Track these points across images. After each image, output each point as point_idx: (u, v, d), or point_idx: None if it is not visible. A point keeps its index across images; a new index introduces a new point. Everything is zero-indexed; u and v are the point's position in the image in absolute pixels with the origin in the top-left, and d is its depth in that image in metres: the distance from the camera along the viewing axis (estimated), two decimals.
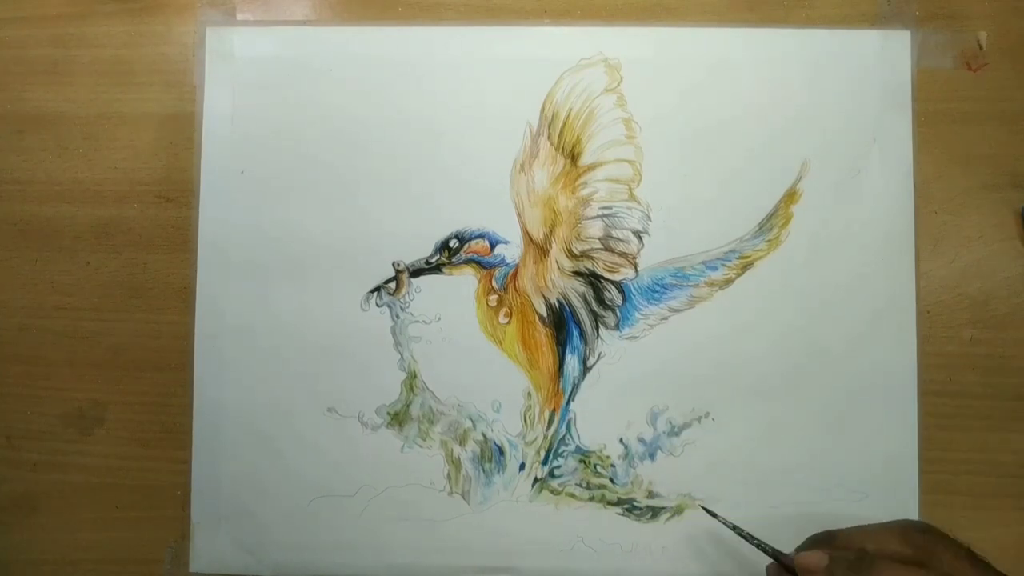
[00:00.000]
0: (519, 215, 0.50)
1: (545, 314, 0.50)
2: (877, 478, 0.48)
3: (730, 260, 0.49)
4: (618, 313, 0.49)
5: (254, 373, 0.50)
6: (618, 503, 0.49)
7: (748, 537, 0.44)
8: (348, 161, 0.50)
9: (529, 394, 0.49)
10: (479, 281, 0.50)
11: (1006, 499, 0.49)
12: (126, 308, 0.51)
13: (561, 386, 0.49)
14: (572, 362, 0.49)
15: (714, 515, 0.45)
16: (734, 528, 0.44)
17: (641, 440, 0.49)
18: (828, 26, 0.50)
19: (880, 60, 0.50)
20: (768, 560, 0.43)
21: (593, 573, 0.49)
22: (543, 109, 0.50)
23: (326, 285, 0.50)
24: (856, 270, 0.49)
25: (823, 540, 0.42)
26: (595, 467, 0.49)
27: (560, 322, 0.49)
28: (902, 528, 0.41)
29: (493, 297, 0.50)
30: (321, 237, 0.50)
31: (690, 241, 0.49)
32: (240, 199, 0.50)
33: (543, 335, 0.49)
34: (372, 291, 0.50)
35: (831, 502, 0.48)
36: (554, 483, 0.49)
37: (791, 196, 0.49)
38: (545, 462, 0.49)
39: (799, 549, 0.42)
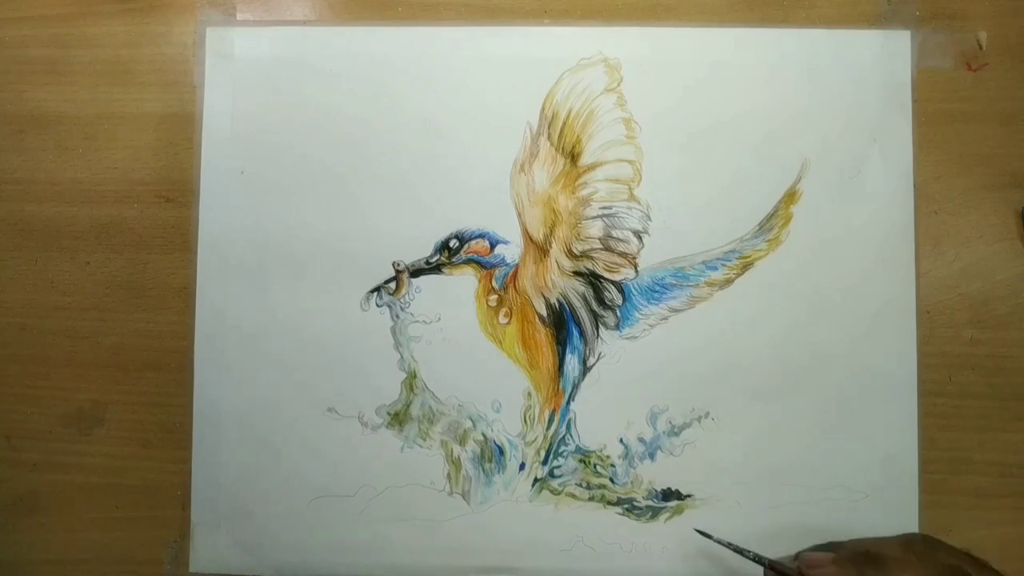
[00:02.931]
0: (519, 215, 0.50)
1: (545, 314, 0.50)
2: (877, 478, 0.48)
3: (730, 260, 0.49)
4: (618, 313, 0.49)
5: (254, 373, 0.50)
6: (618, 503, 0.49)
7: (744, 552, 0.44)
8: (348, 161, 0.50)
9: (529, 394, 0.49)
10: (479, 281, 0.50)
11: (1006, 499, 0.49)
12: (126, 308, 0.51)
13: (561, 386, 0.49)
14: (572, 362, 0.49)
15: (708, 536, 0.46)
16: (729, 545, 0.45)
17: (641, 440, 0.49)
18: (828, 26, 0.50)
19: (880, 60, 0.50)
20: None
21: (593, 573, 0.49)
22: (543, 109, 0.50)
23: (326, 285, 0.50)
24: (856, 270, 0.49)
25: (826, 548, 0.42)
26: (595, 467, 0.49)
27: (560, 322, 0.49)
28: (904, 537, 0.42)
29: (493, 297, 0.50)
30: (321, 237, 0.50)
31: (690, 241, 0.49)
32: (240, 199, 0.50)
33: (543, 335, 0.49)
34: (372, 291, 0.50)
35: (831, 502, 0.48)
36: (554, 483, 0.49)
37: (791, 196, 0.49)
38: (545, 462, 0.49)
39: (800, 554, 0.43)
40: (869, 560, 0.39)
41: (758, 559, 0.43)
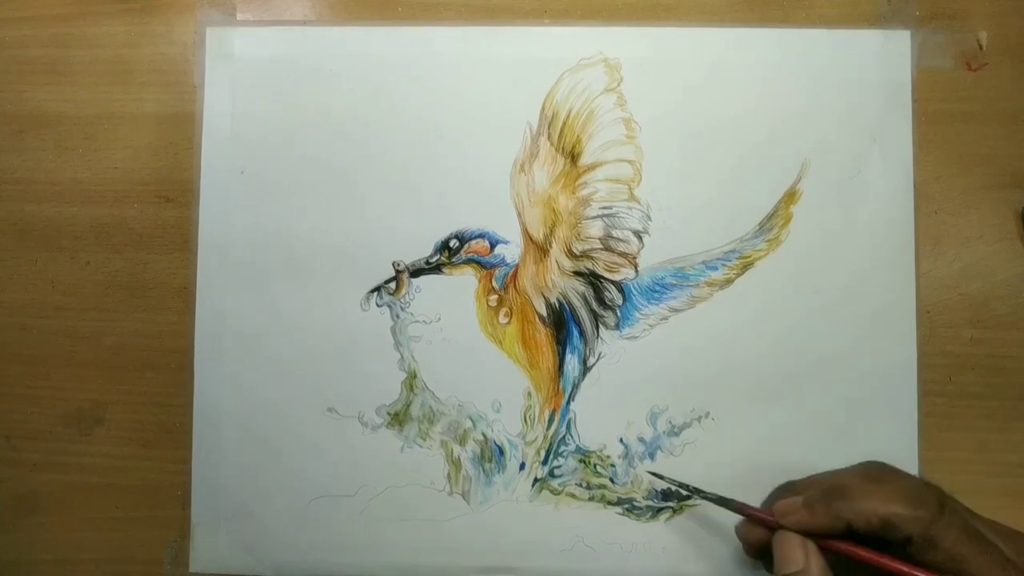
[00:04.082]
0: (519, 215, 0.50)
1: (545, 314, 0.50)
2: None
3: (730, 260, 0.49)
4: (618, 313, 0.49)
5: (254, 373, 0.50)
6: (618, 503, 0.49)
7: (706, 495, 0.45)
8: (348, 161, 0.50)
9: (529, 394, 0.49)
10: (479, 281, 0.50)
11: (1006, 499, 0.49)
12: (126, 308, 0.51)
13: (561, 386, 0.49)
14: (572, 362, 0.49)
15: (661, 477, 0.47)
16: (685, 487, 0.45)
17: (641, 440, 0.49)
18: (828, 26, 0.50)
19: (880, 60, 0.50)
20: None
21: (593, 573, 0.49)
22: (543, 109, 0.50)
23: (326, 285, 0.50)
24: (856, 270, 0.49)
25: (786, 488, 0.43)
26: (595, 467, 0.49)
27: (560, 322, 0.49)
28: (861, 466, 0.42)
29: (493, 297, 0.50)
30: (321, 237, 0.50)
31: (690, 241, 0.49)
32: (240, 199, 0.50)
33: (543, 335, 0.49)
34: (372, 291, 0.50)
35: None
36: (554, 483, 0.49)
37: (791, 196, 0.49)
38: (545, 462, 0.49)
39: (766, 502, 0.44)
40: (835, 494, 0.39)
41: (723, 501, 0.44)
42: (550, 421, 0.49)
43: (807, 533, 0.40)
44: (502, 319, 0.49)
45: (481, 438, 0.49)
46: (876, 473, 0.41)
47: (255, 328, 0.50)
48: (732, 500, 0.44)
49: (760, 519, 0.42)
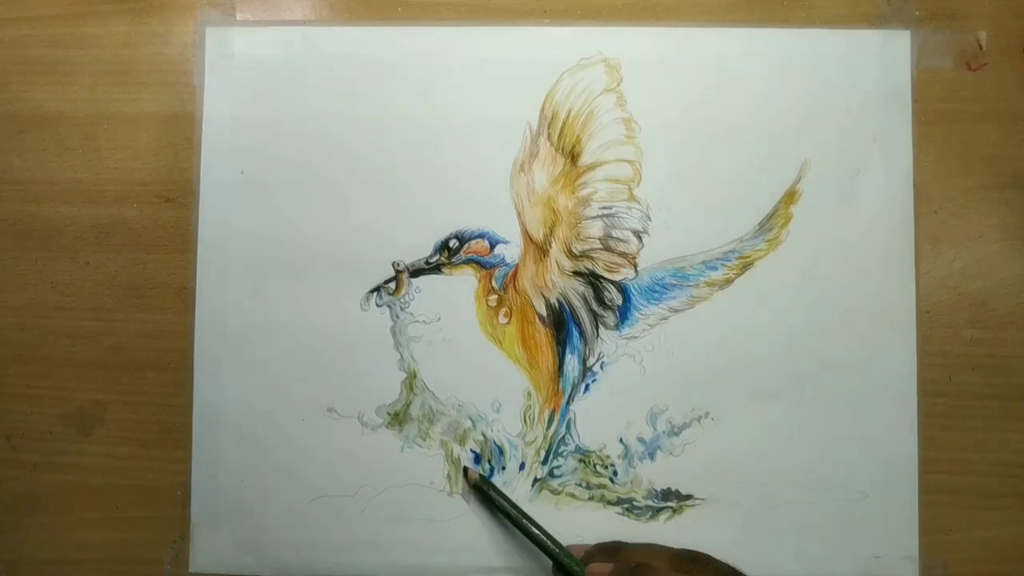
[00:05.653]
0: (519, 215, 0.50)
1: (545, 314, 0.50)
2: (877, 478, 0.48)
3: (730, 260, 0.49)
4: (618, 313, 0.49)
5: (254, 373, 0.50)
6: (618, 503, 0.49)
7: (534, 535, 0.47)
8: (348, 161, 0.50)
9: (529, 394, 0.49)
10: (479, 281, 0.50)
11: (1006, 499, 0.49)
12: (126, 308, 0.51)
13: (561, 386, 0.49)
14: (572, 362, 0.49)
15: (488, 490, 0.48)
16: (514, 514, 0.47)
17: (641, 440, 0.49)
18: (828, 26, 0.50)
19: (880, 60, 0.50)
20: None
21: None
22: (543, 109, 0.50)
23: (326, 285, 0.50)
24: (856, 270, 0.49)
25: (608, 548, 0.47)
26: (595, 467, 0.49)
27: (560, 322, 0.49)
28: (674, 552, 0.45)
29: (493, 297, 0.50)
30: (321, 237, 0.50)
31: (690, 241, 0.49)
32: (240, 199, 0.50)
33: (543, 335, 0.49)
34: (372, 291, 0.50)
35: (831, 502, 0.48)
36: (554, 483, 0.49)
37: (791, 196, 0.49)
38: (545, 462, 0.49)
39: (587, 553, 0.47)
40: (641, 574, 0.43)
41: (547, 547, 0.46)
42: (550, 421, 0.49)
43: None
44: (502, 319, 0.49)
45: (481, 438, 0.49)
46: (686, 566, 0.44)
47: (255, 328, 0.50)
48: (550, 544, 0.46)
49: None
